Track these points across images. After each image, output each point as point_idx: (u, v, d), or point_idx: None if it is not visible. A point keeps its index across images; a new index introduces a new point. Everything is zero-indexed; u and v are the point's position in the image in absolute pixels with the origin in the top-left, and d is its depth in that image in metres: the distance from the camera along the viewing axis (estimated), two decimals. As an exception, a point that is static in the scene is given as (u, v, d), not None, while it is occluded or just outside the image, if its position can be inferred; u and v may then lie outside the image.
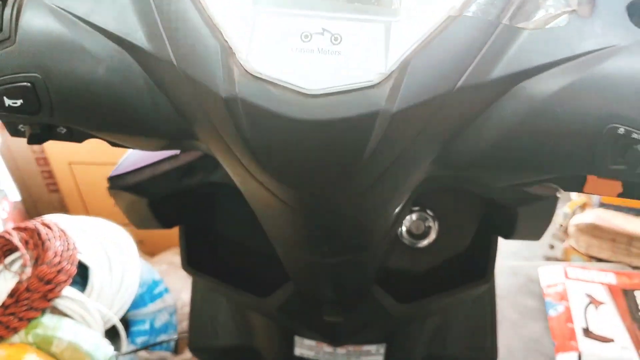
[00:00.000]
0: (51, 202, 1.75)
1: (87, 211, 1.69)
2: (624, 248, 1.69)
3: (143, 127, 0.40)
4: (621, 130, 0.32)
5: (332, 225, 0.43)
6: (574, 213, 1.86)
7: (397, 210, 0.48)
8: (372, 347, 0.78)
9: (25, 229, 1.23)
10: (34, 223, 1.24)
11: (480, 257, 0.63)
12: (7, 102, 0.37)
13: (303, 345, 0.80)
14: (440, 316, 0.87)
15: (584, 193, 0.39)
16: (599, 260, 1.70)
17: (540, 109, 0.34)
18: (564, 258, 1.77)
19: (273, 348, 0.86)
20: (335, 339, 0.73)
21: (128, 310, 1.31)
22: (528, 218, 0.55)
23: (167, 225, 0.63)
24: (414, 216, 0.62)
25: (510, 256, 1.78)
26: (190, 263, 0.67)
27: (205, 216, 0.73)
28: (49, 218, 1.27)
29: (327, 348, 0.79)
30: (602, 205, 1.88)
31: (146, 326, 1.33)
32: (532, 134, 0.35)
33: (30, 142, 0.42)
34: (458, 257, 0.64)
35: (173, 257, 1.62)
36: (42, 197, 1.74)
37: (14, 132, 0.43)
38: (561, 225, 1.84)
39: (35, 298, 1.13)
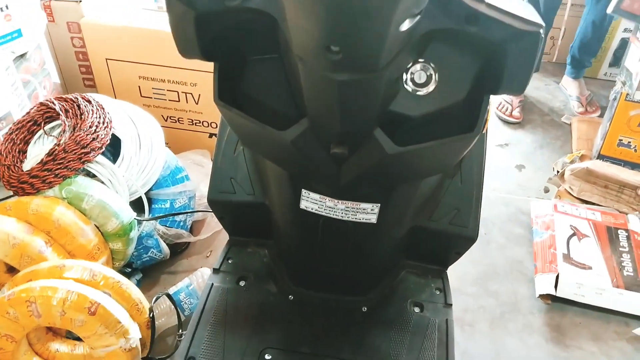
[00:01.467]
0: (85, 95, 1.87)
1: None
2: (614, 194, 1.78)
3: None
4: None
5: (347, 20, 0.53)
6: (572, 162, 1.95)
7: (402, 30, 0.58)
8: (368, 206, 0.90)
9: (66, 100, 1.35)
10: (75, 95, 1.36)
11: (472, 114, 0.73)
12: None
13: (309, 199, 0.92)
14: (430, 190, 0.98)
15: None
16: (589, 204, 1.80)
17: None
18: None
19: (282, 201, 0.98)
20: (337, 187, 0.85)
21: (151, 189, 1.45)
22: (515, 60, 0.64)
23: (206, 54, 0.74)
24: (417, 66, 0.72)
25: (506, 194, 1.89)
26: (220, 98, 0.78)
27: (235, 71, 0.83)
28: (88, 94, 1.39)
29: (329, 202, 0.91)
30: (600, 157, 1.98)
31: (166, 205, 1.47)
32: None
33: None
34: (452, 110, 0.74)
35: (194, 156, 1.75)
36: (78, 90, 1.86)
37: None
38: (558, 172, 1.94)
39: (70, 159, 1.25)
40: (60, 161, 1.25)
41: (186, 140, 1.87)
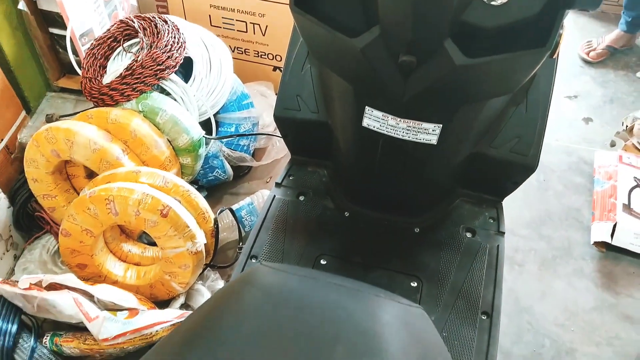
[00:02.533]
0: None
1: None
2: (685, 151, 1.72)
3: None
4: None
5: None
6: (643, 118, 1.88)
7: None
8: (430, 126, 0.92)
9: (144, 19, 1.42)
10: (152, 15, 1.42)
11: (545, 30, 0.73)
12: None
13: (371, 117, 0.95)
14: (493, 115, 0.99)
15: None
16: (658, 160, 1.74)
17: None
18: (623, 154, 1.82)
19: (345, 119, 1.01)
20: (401, 102, 0.87)
21: (218, 112, 1.51)
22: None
23: None
24: (494, -28, 0.72)
25: (569, 144, 1.85)
26: (296, 4, 0.81)
27: None
28: (164, 15, 1.45)
29: (392, 121, 0.93)
30: (674, 114, 1.89)
31: (232, 129, 1.53)
32: None
33: None
34: (525, 24, 0.74)
35: (259, 87, 1.80)
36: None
37: None
38: (627, 127, 1.88)
39: (147, 74, 1.33)
40: (138, 76, 1.32)
41: (251, 72, 1.92)
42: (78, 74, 1.52)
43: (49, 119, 1.51)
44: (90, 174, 1.40)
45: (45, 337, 1.12)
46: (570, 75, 2.24)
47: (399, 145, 0.96)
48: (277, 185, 1.15)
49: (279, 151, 1.69)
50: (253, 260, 1.00)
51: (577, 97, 2.12)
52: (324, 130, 1.09)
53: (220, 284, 1.35)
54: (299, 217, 1.08)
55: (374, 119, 0.94)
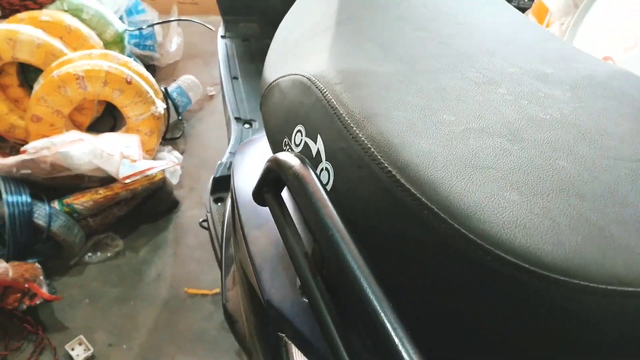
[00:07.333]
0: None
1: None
2: None
3: None
4: None
5: None
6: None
7: None
8: None
9: None
10: None
11: None
12: None
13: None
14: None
15: None
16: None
17: None
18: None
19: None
20: None
21: (121, 18, 1.67)
22: None
23: None
24: None
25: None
26: None
27: None
28: None
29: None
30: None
31: (136, 32, 1.70)
32: None
33: None
34: None
35: None
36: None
37: None
38: None
39: (63, -23, 1.45)
40: (54, -22, 1.43)
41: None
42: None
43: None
44: (22, 84, 1.46)
45: (52, 202, 1.23)
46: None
47: None
48: (222, 37, 1.41)
49: (174, 55, 1.89)
50: (236, 79, 1.26)
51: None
52: None
53: (175, 154, 1.55)
54: (253, 53, 1.36)
55: None
